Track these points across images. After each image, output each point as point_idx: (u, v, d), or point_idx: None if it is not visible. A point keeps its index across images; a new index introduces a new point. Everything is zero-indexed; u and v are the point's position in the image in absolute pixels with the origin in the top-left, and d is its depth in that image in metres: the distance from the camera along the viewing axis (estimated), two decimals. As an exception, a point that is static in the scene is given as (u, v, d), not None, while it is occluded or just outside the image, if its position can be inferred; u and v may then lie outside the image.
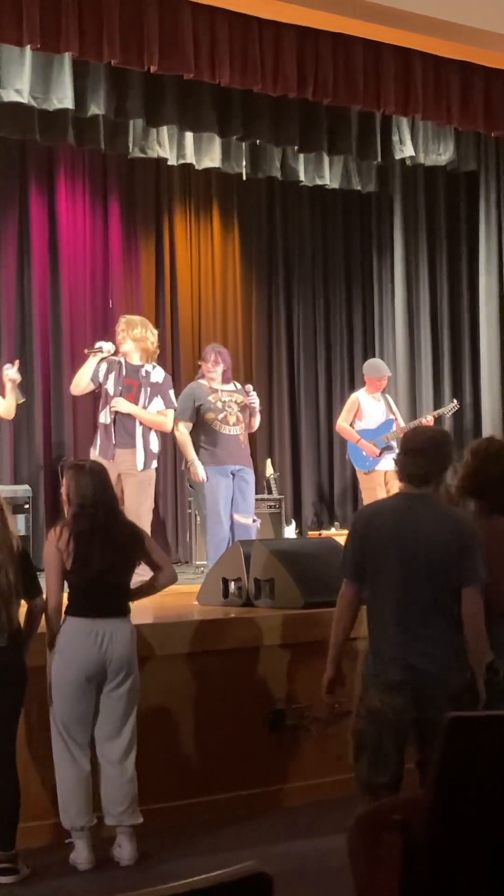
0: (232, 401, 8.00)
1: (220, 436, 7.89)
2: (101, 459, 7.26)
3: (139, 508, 7.50)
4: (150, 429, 7.71)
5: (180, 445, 8.06)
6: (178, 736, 5.79)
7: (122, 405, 7.61)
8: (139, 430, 7.64)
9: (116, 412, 7.62)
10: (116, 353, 7.82)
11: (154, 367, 7.85)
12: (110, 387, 7.70)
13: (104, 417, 7.70)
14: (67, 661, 5.01)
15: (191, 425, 7.92)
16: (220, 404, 7.93)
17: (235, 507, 7.93)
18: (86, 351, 7.95)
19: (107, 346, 7.81)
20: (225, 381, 8.11)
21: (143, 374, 7.75)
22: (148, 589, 5.38)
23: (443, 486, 4.86)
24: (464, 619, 4.38)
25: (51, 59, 7.73)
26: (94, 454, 7.60)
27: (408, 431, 4.88)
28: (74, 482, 5.16)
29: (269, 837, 5.44)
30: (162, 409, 7.74)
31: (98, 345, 7.87)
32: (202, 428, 7.91)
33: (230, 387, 8.13)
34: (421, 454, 4.50)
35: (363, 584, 4.49)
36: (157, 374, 7.80)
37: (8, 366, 7.63)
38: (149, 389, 7.71)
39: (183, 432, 7.94)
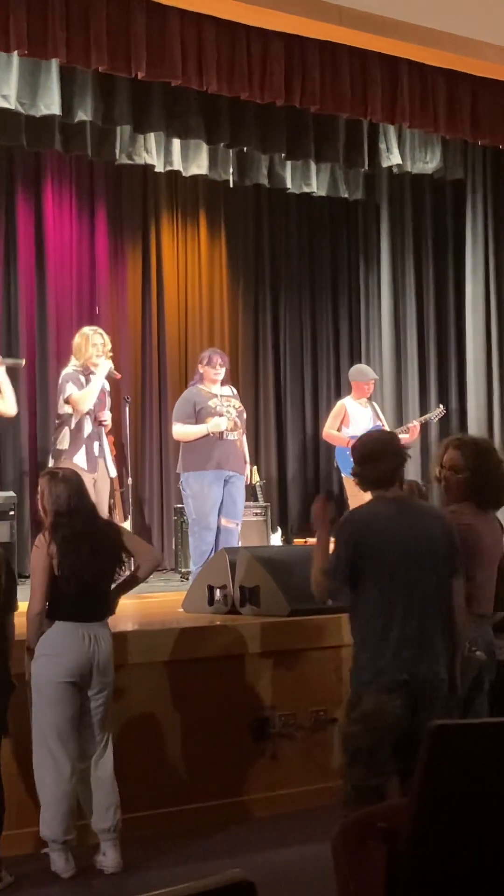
0: (231, 406, 8.06)
1: (219, 441, 7.92)
2: (85, 472, 7.37)
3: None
4: None
5: (186, 435, 8.03)
6: (162, 743, 5.77)
7: (108, 418, 7.91)
8: (104, 439, 7.94)
9: (102, 423, 7.83)
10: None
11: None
12: (95, 402, 7.85)
13: (87, 430, 7.77)
14: (57, 664, 4.98)
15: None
16: (219, 409, 7.97)
17: (224, 511, 7.95)
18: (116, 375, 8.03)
19: (107, 364, 7.92)
20: (222, 384, 8.17)
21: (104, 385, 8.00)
22: (132, 581, 5.37)
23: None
24: (455, 611, 4.46)
25: (38, 66, 7.73)
26: (80, 465, 7.60)
27: (356, 441, 4.79)
28: (48, 491, 5.18)
29: (253, 845, 5.43)
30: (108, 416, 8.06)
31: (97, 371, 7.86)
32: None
33: (227, 391, 8.20)
34: (378, 458, 4.54)
35: (351, 588, 4.46)
36: (106, 384, 8.03)
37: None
38: (108, 400, 8.01)
39: (180, 427, 8.04)
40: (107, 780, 5.11)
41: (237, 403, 8.18)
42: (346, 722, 4.48)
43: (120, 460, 10.26)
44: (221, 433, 7.92)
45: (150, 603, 8.06)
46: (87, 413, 7.73)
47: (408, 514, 4.49)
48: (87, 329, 8.07)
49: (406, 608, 4.36)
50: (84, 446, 7.73)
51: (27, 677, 5.05)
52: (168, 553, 11.02)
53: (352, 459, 4.70)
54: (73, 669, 4.98)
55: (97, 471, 7.64)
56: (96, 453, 7.74)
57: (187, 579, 9.01)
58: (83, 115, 8.20)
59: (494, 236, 10.47)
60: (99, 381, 7.79)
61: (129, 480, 10.04)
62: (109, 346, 8.00)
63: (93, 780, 5.10)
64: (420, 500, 4.70)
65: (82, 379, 7.75)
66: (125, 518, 9.87)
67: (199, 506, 7.93)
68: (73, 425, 7.76)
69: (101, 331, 8.08)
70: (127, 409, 10.06)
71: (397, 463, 4.58)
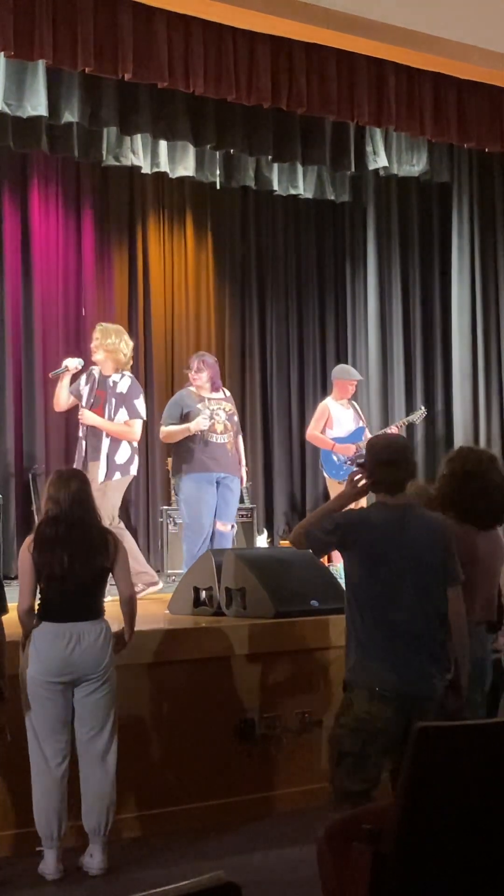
0: (220, 409, 8.03)
1: (208, 444, 7.90)
2: None
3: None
4: (119, 440, 7.72)
5: (170, 436, 8.01)
6: (148, 745, 5.77)
7: (87, 417, 7.68)
8: (105, 443, 7.67)
9: (85, 425, 7.70)
10: (86, 365, 7.84)
11: (122, 376, 7.84)
12: (85, 399, 7.77)
13: (81, 430, 7.76)
14: (38, 663, 5.02)
15: None
16: (207, 412, 7.94)
17: (217, 514, 7.93)
18: (50, 375, 7.91)
19: (73, 363, 7.83)
20: (214, 389, 8.14)
21: (111, 384, 7.76)
22: (118, 641, 5.31)
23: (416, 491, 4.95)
24: (451, 619, 4.47)
25: (24, 67, 7.71)
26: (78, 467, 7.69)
27: (375, 442, 4.86)
28: (46, 490, 5.24)
29: (239, 847, 5.43)
30: (127, 419, 7.76)
31: (64, 364, 7.88)
32: (190, 436, 7.90)
33: (219, 395, 8.16)
34: (395, 465, 4.54)
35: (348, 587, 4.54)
36: (123, 384, 7.80)
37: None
38: (114, 400, 7.73)
39: (165, 429, 8.01)
40: (105, 781, 5.09)
41: (228, 406, 8.15)
42: (335, 724, 4.49)
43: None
44: (204, 433, 7.89)
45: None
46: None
47: (406, 522, 4.48)
48: None
49: (399, 616, 4.37)
50: (77, 448, 7.80)
51: (21, 676, 5.06)
52: (154, 554, 11.01)
53: (364, 457, 4.66)
54: (53, 669, 5.00)
55: (87, 472, 7.42)
56: (84, 454, 7.69)
57: (173, 581, 9.00)
58: (70, 116, 8.19)
59: (480, 239, 10.50)
60: (63, 384, 7.82)
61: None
62: (97, 342, 7.88)
63: (90, 780, 5.08)
64: (423, 508, 4.68)
65: (82, 378, 7.88)
66: (111, 519, 9.86)
67: (192, 509, 7.89)
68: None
69: (101, 326, 8.07)
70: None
71: (411, 471, 4.62)
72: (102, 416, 7.70)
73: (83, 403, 7.74)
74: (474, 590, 4.72)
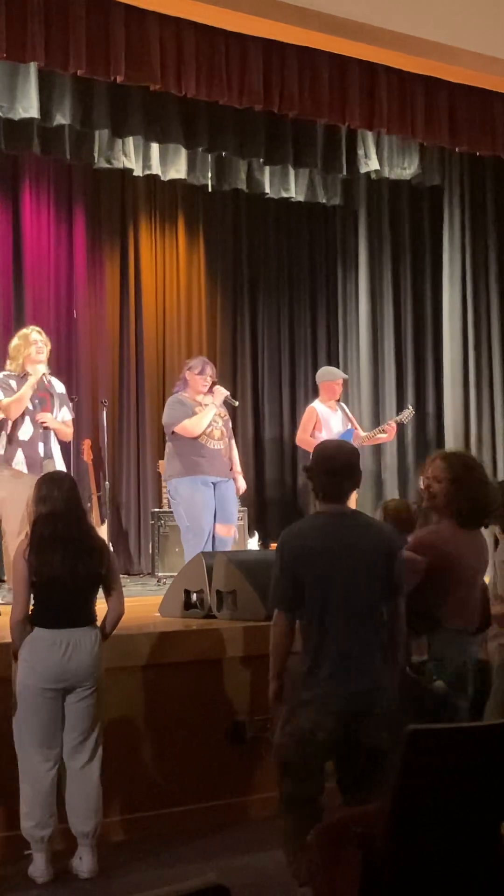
0: (217, 415, 7.97)
1: (206, 450, 7.84)
2: (29, 475, 7.09)
3: None
4: (59, 440, 7.55)
5: (197, 424, 7.79)
6: (138, 748, 5.77)
7: (50, 420, 7.41)
8: (54, 442, 7.47)
9: (45, 426, 7.38)
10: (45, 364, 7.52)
11: (50, 377, 7.58)
12: (30, 401, 7.40)
13: (25, 433, 7.36)
14: (30, 670, 5.00)
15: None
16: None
17: (217, 517, 7.90)
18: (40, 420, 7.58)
19: (41, 369, 7.47)
20: (209, 393, 8.05)
21: (47, 383, 7.50)
22: (110, 623, 5.32)
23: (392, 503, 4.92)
24: (396, 626, 4.49)
25: (16, 69, 7.72)
26: (19, 470, 7.34)
27: (322, 450, 4.72)
28: (35, 493, 5.17)
29: (230, 850, 5.43)
30: (67, 419, 7.58)
31: (30, 376, 7.44)
32: (188, 440, 7.85)
33: (210, 400, 8.09)
34: (339, 475, 4.53)
35: (296, 612, 4.45)
36: (59, 384, 7.62)
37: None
38: (56, 401, 7.52)
39: (188, 422, 7.82)
40: (92, 784, 5.09)
41: (223, 411, 8.12)
42: (280, 733, 4.46)
43: (97, 464, 10.24)
44: (203, 437, 7.82)
45: (126, 607, 8.03)
46: (27, 416, 7.36)
47: (348, 531, 4.46)
48: (25, 329, 7.71)
49: (341, 625, 4.36)
50: (20, 449, 7.35)
51: (13, 682, 5.05)
52: (144, 557, 11.01)
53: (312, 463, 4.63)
54: (47, 676, 4.98)
55: (42, 472, 7.02)
56: (41, 454, 7.35)
57: (164, 584, 9.00)
58: (62, 118, 8.19)
59: (471, 242, 10.52)
60: (30, 386, 7.35)
61: (107, 484, 10.03)
62: (45, 341, 7.51)
63: (77, 784, 5.08)
64: (364, 515, 4.71)
65: (13, 384, 7.37)
66: (102, 522, 9.86)
67: (191, 511, 7.81)
68: (9, 429, 7.40)
69: (39, 329, 7.69)
70: (104, 412, 10.04)
71: (356, 481, 4.62)
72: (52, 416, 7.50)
73: (30, 406, 7.37)
74: (458, 593, 4.72)
